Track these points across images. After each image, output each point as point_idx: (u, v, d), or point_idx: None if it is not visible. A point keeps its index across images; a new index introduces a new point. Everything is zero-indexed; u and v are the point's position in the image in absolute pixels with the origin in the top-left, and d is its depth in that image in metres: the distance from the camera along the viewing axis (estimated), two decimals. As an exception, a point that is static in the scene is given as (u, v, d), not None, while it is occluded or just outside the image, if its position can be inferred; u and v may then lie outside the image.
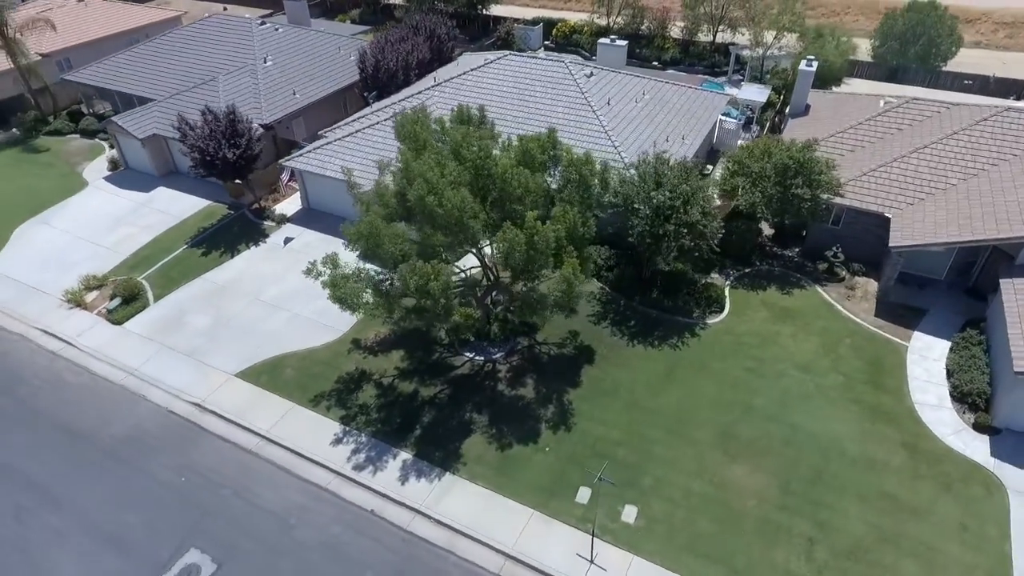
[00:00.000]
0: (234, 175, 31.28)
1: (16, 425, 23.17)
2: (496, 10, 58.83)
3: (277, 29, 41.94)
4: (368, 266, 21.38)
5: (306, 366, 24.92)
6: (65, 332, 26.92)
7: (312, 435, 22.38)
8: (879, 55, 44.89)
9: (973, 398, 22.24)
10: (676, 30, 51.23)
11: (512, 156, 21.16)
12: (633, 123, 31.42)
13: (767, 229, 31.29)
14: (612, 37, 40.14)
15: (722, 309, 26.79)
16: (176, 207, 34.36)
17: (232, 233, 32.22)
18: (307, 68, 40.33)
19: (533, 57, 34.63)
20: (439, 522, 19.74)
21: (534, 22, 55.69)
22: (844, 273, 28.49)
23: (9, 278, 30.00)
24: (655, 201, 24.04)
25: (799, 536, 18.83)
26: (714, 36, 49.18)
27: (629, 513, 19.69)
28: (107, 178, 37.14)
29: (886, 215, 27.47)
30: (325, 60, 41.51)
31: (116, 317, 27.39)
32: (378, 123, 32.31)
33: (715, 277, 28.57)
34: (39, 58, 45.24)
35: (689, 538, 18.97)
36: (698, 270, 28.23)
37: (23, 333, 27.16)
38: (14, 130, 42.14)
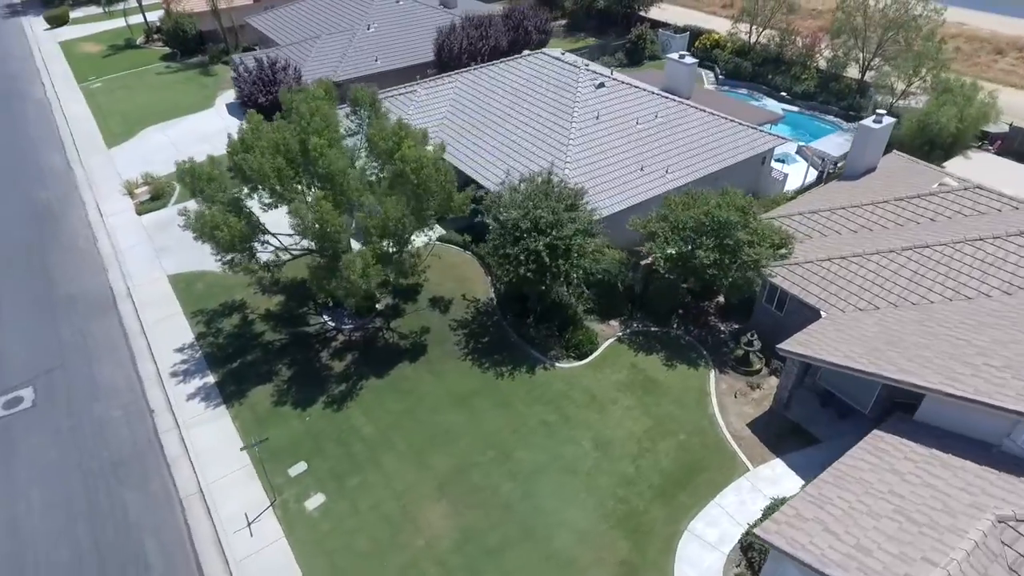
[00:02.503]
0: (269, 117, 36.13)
1: (23, 267, 30.86)
2: (654, 13, 56.04)
3: (398, 2, 46.05)
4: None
5: (213, 285, 28.75)
6: (105, 210, 34.54)
7: (169, 339, 26.15)
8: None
9: (754, 554, 17.56)
10: (824, 61, 43.96)
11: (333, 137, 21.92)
12: (607, 144, 28.98)
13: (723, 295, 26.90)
14: (682, 53, 36.37)
15: (582, 357, 24.23)
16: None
17: (262, 167, 37.42)
18: (404, 40, 43.86)
19: (556, 59, 33.40)
20: (182, 440, 22.15)
21: (683, 30, 52.13)
22: (760, 366, 23.59)
23: (113, 162, 38.99)
24: (502, 217, 22.66)
25: (429, 595, 17.38)
26: (863, 73, 41.22)
27: (316, 500, 19.93)
28: (228, 105, 45.18)
29: (821, 312, 22.08)
30: (427, 36, 44.56)
31: (140, 209, 34.25)
32: (394, 95, 34.50)
33: (612, 324, 25.74)
34: (250, 2, 56.01)
35: (339, 546, 18.68)
36: (595, 312, 25.74)
37: (86, 203, 35.51)
38: (207, 56, 53.07)
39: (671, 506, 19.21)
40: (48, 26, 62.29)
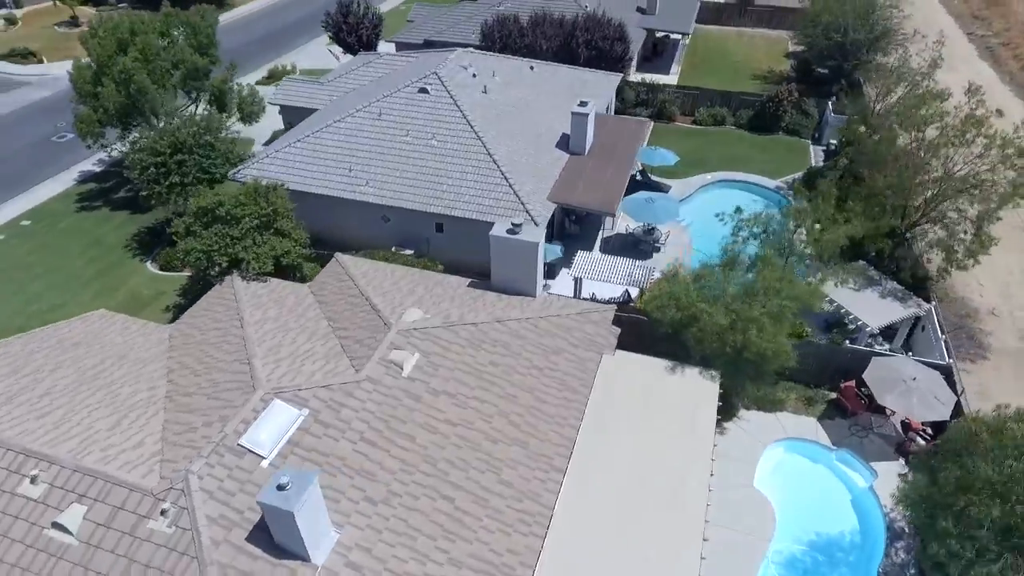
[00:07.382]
0: (345, 49, 46.38)
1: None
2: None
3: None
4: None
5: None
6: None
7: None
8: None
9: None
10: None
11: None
12: (360, 140, 29.45)
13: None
14: (583, 100, 30.30)
15: (163, 270, 29.35)
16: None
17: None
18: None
19: (452, 59, 33.08)
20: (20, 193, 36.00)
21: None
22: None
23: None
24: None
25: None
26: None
27: (-8, 240, 31.62)
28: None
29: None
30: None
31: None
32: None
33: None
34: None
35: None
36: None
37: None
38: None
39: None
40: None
